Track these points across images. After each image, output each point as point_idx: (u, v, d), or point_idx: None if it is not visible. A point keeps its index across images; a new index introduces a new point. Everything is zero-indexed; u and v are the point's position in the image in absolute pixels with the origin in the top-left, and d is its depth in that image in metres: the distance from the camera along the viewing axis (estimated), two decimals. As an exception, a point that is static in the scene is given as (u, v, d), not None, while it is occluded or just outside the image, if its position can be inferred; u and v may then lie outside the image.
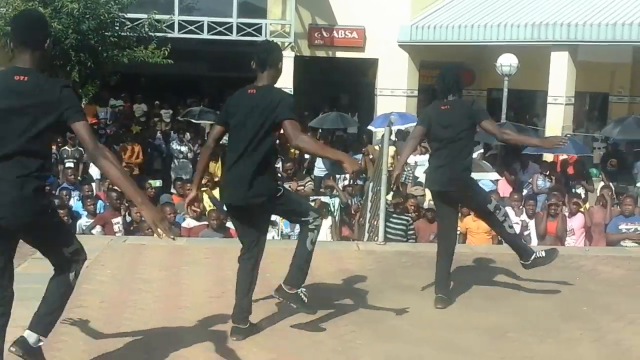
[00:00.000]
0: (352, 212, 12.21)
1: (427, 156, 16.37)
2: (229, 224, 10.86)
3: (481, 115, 6.77)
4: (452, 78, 6.79)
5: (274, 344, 5.62)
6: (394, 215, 10.52)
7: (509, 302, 6.89)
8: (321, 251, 8.49)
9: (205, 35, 22.02)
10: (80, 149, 16.39)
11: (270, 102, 5.47)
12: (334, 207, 11.75)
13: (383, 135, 9.86)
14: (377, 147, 18.58)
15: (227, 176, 5.69)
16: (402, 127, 19.22)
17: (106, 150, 4.36)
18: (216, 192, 13.04)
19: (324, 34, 24.04)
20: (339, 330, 5.98)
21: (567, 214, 11.46)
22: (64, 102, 4.25)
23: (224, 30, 22.04)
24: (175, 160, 17.50)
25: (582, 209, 11.63)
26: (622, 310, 6.69)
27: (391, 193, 11.21)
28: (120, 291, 6.78)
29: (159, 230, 4.16)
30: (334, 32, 24.05)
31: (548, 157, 16.26)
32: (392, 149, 16.16)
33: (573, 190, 14.04)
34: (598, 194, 13.40)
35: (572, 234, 11.28)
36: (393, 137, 17.57)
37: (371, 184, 10.47)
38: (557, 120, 21.27)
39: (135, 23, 18.51)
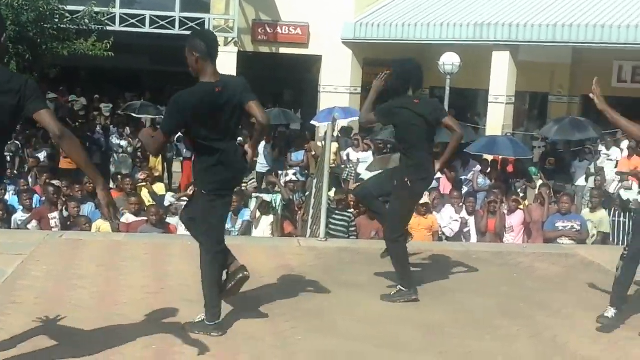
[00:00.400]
0: (296, 208, 12.18)
1: (369, 153, 16.58)
2: (170, 219, 10.79)
3: (444, 112, 6.91)
4: (416, 72, 6.86)
5: (211, 341, 5.55)
6: (337, 212, 10.52)
7: (447, 298, 6.93)
8: (262, 247, 8.53)
9: (147, 29, 21.78)
10: (17, 142, 16.09)
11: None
12: (275, 203, 11.70)
13: (326, 132, 9.85)
14: (320, 144, 18.62)
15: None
16: (345, 123, 19.29)
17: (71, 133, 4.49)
18: (156, 187, 12.95)
19: (268, 29, 23.97)
20: (279, 326, 5.95)
21: (506, 211, 11.59)
22: (28, 92, 4.28)
23: (166, 25, 21.83)
24: (115, 155, 17.28)
25: (521, 207, 11.78)
26: (558, 307, 6.78)
27: (334, 189, 11.24)
28: (56, 287, 6.64)
29: (111, 212, 4.50)
30: (278, 28, 23.99)
31: (488, 155, 16.44)
32: (334, 146, 16.20)
33: (513, 188, 14.22)
34: (536, 192, 13.61)
35: (511, 231, 11.42)
36: (336, 134, 17.62)
37: (314, 181, 10.45)
38: (497, 119, 21.54)
39: (75, 15, 18.19)
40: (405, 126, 6.74)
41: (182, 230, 10.82)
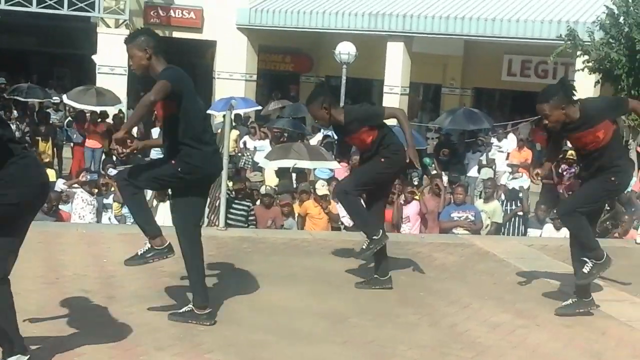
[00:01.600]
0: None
1: (266, 142, 16.51)
2: (62, 207, 10.45)
3: None
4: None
5: (111, 332, 5.40)
6: (235, 201, 10.42)
7: (347, 288, 6.95)
8: (160, 236, 8.32)
9: (34, 8, 21.04)
10: None
11: None
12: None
13: (224, 120, 9.72)
14: (217, 132, 18.43)
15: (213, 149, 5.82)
16: (242, 112, 19.15)
17: None
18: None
19: (161, 12, 23.62)
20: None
21: (402, 201, 11.72)
22: None
23: (54, 4, 21.16)
24: (2, 139, 16.64)
25: (416, 197, 11.94)
26: (456, 296, 6.90)
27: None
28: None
29: None
30: (171, 11, 23.65)
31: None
32: (234, 133, 16.06)
33: (409, 178, 14.39)
34: (430, 183, 13.82)
35: (408, 221, 11.56)
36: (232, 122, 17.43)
37: (211, 169, 10.30)
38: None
39: (-41, -8, 17.45)
40: None
41: (75, 218, 10.54)
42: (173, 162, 5.59)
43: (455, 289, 7.12)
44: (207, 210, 10.03)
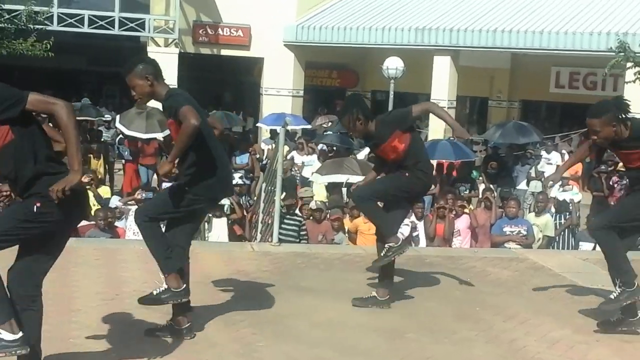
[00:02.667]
0: (244, 212, 12.10)
1: (314, 157, 16.58)
2: (118, 223, 10.62)
3: None
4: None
5: (174, 348, 5.49)
6: (287, 216, 10.49)
7: (404, 303, 6.95)
8: (216, 253, 8.46)
9: (85, 29, 21.44)
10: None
11: None
12: (225, 206, 11.64)
13: (275, 136, 9.81)
14: (263, 145, 18.58)
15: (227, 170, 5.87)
16: (290, 129, 19.24)
17: None
18: (101, 190, 12.73)
19: (209, 31, 23.84)
20: (240, 333, 5.91)
21: (453, 215, 11.69)
22: None
23: (105, 25, 21.53)
24: (56, 157, 16.92)
25: (467, 211, 11.90)
26: (513, 311, 6.86)
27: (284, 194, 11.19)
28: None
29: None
30: (219, 29, 23.87)
31: (433, 160, 16.57)
32: (285, 148, 16.16)
33: (457, 192, 14.36)
34: (480, 196, 13.76)
35: (458, 235, 11.53)
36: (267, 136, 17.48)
37: (263, 184, 10.40)
38: (439, 123, 21.55)
39: (13, 14, 17.81)
40: None
41: (129, 234, 10.69)
42: (187, 188, 5.55)
43: (512, 304, 7.08)
44: (260, 226, 10.14)
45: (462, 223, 11.67)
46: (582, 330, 6.36)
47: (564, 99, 23.35)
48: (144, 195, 11.21)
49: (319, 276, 7.64)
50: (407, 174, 6.60)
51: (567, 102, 23.01)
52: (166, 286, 5.52)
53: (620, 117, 6.00)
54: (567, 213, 12.80)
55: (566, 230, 12.48)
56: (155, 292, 5.57)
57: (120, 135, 18.46)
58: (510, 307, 6.96)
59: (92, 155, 16.15)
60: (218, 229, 10.99)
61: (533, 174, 16.79)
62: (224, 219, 11.15)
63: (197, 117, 5.16)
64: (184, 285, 5.58)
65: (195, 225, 5.92)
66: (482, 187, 15.31)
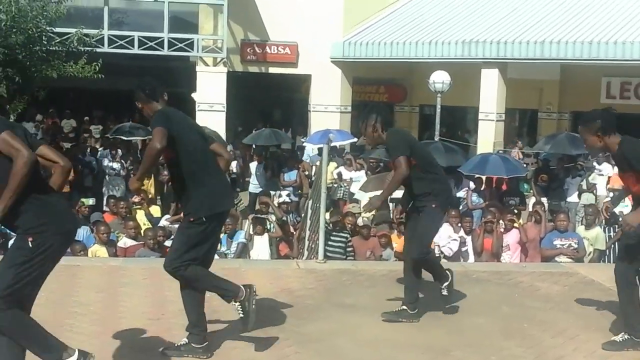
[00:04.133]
0: (292, 229, 12.12)
1: (362, 172, 16.55)
2: (168, 243, 10.69)
3: None
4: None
5: (217, 367, 5.51)
6: (333, 233, 10.47)
7: (450, 319, 6.89)
8: (261, 270, 8.47)
9: (135, 50, 21.75)
10: None
11: None
12: (270, 224, 11.67)
13: (321, 153, 9.81)
14: (310, 163, 18.59)
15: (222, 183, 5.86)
16: (337, 144, 19.27)
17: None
18: (152, 210, 12.87)
19: (257, 49, 24.00)
20: (283, 351, 5.90)
21: (502, 229, 11.56)
22: None
23: (155, 45, 21.81)
24: (107, 177, 17.19)
25: (516, 225, 11.75)
26: (562, 327, 6.75)
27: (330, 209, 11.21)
28: (56, 314, 6.55)
29: None
30: (267, 47, 24.02)
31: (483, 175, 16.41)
32: (332, 165, 16.18)
33: (507, 205, 14.20)
34: (530, 210, 13.58)
35: (508, 250, 11.39)
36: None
37: (310, 202, 10.40)
38: (488, 136, 21.60)
39: (64, 37, 18.14)
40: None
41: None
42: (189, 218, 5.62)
43: (561, 319, 6.96)
44: (306, 242, 10.14)
45: (511, 238, 11.53)
46: (634, 347, 6.22)
47: (616, 110, 22.96)
48: None
49: (364, 293, 7.60)
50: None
51: (619, 113, 22.56)
52: (187, 341, 5.71)
53: (605, 128, 5.91)
54: (617, 226, 12.55)
55: (617, 243, 12.23)
56: (177, 344, 5.71)
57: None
58: (559, 323, 6.85)
59: (143, 175, 16.33)
60: (259, 246, 11.03)
61: (584, 186, 16.54)
62: (266, 236, 11.18)
63: (162, 141, 5.27)
64: (206, 342, 5.75)
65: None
66: (532, 200, 15.12)
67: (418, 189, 6.68)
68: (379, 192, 12.98)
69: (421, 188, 6.67)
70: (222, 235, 11.23)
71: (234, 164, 18.36)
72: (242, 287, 5.70)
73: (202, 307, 5.76)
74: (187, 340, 5.68)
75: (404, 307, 6.80)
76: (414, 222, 6.81)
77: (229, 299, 5.70)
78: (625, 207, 13.89)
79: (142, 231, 10.94)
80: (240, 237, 11.28)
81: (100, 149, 19.44)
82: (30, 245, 4.48)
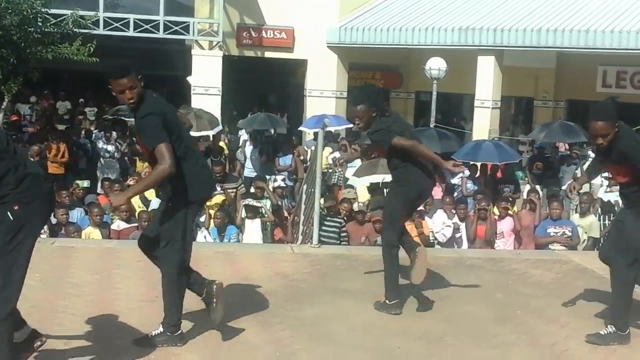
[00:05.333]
0: (286, 214, 12.11)
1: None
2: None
3: None
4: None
5: (210, 350, 5.52)
6: (327, 218, 10.47)
7: (443, 306, 6.90)
8: (255, 254, 8.48)
9: (131, 33, 21.66)
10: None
11: None
12: (264, 208, 11.65)
13: (316, 138, 9.79)
14: (306, 148, 18.57)
15: (206, 171, 5.86)
16: (333, 130, 19.24)
17: None
18: (146, 192, 12.81)
19: (253, 33, 23.91)
20: (277, 335, 5.91)
21: (496, 217, 11.58)
22: None
23: (150, 28, 21.73)
24: (102, 160, 17.15)
25: (510, 212, 11.77)
26: (555, 314, 6.78)
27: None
28: (50, 296, 6.57)
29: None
30: (263, 32, 23.93)
31: (476, 162, 16.41)
32: (327, 150, 16.15)
33: (501, 193, 14.22)
34: (525, 197, 13.61)
35: (502, 237, 11.42)
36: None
37: (304, 186, 10.40)
38: (484, 123, 21.58)
39: (59, 19, 18.04)
40: None
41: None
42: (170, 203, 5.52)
43: (554, 306, 6.99)
44: (301, 227, 10.14)
45: (505, 225, 11.56)
46: (625, 334, 6.25)
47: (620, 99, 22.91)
48: None
49: (359, 278, 7.61)
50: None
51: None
52: (162, 330, 5.56)
53: (615, 118, 5.79)
54: (612, 214, 12.58)
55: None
56: (150, 334, 5.57)
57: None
58: (552, 310, 6.88)
59: (138, 158, 16.30)
60: (251, 230, 10.99)
61: (579, 174, 16.54)
62: (258, 221, 11.15)
63: (173, 161, 5.13)
64: (180, 330, 5.62)
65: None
66: (526, 187, 15.14)
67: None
68: (371, 177, 13.02)
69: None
70: (212, 228, 11.19)
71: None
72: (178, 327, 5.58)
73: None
74: (162, 330, 5.57)
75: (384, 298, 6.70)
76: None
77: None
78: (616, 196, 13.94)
79: (136, 213, 10.91)
80: (232, 233, 11.06)
81: (94, 131, 19.36)
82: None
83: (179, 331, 5.58)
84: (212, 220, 10.91)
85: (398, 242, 6.72)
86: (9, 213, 4.46)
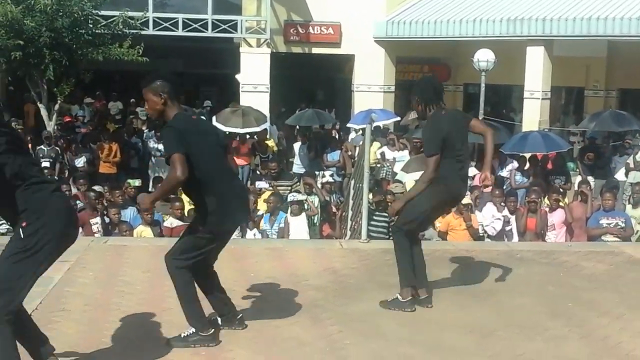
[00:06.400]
0: (334, 209, 12.13)
1: (406, 152, 16.49)
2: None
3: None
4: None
5: (261, 346, 5.56)
6: (376, 213, 10.46)
7: (494, 299, 6.87)
8: (305, 250, 8.52)
9: (180, 32, 21.87)
10: (57, 147, 16.25)
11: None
12: (313, 204, 11.69)
13: (364, 133, 9.80)
14: (358, 145, 18.57)
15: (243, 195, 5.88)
16: (381, 124, 19.22)
17: None
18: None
19: (300, 30, 23.96)
20: (327, 330, 5.93)
21: (547, 209, 11.46)
22: None
23: (199, 27, 21.90)
24: (153, 159, 17.37)
25: (562, 204, 11.64)
26: (607, 306, 6.70)
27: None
28: (103, 294, 6.69)
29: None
30: (310, 28, 23.97)
31: (524, 153, 16.24)
32: (375, 145, 16.14)
33: (552, 184, 14.06)
34: (576, 189, 13.44)
35: (553, 229, 11.29)
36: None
37: (352, 181, 10.41)
38: (533, 114, 21.36)
39: (109, 20, 18.30)
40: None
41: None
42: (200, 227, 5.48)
43: (606, 299, 6.91)
44: (349, 222, 10.16)
45: (557, 217, 11.43)
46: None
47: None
48: None
49: (408, 273, 7.59)
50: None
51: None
52: (194, 330, 5.55)
53: None
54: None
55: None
56: (183, 335, 5.56)
57: (219, 136, 18.77)
58: (604, 303, 6.80)
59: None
60: (296, 226, 11.03)
61: (632, 165, 16.30)
62: (303, 216, 11.19)
63: (184, 170, 5.09)
64: (212, 330, 5.62)
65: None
66: (578, 178, 14.95)
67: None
68: (420, 173, 12.97)
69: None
70: (264, 214, 11.32)
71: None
72: (207, 326, 5.58)
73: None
74: (194, 330, 5.58)
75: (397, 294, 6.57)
76: None
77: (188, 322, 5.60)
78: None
79: (187, 211, 11.03)
80: (282, 217, 11.25)
81: (145, 131, 19.61)
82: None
83: (211, 331, 5.58)
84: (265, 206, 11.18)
85: (410, 231, 6.62)
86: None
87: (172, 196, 10.52)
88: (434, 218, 6.87)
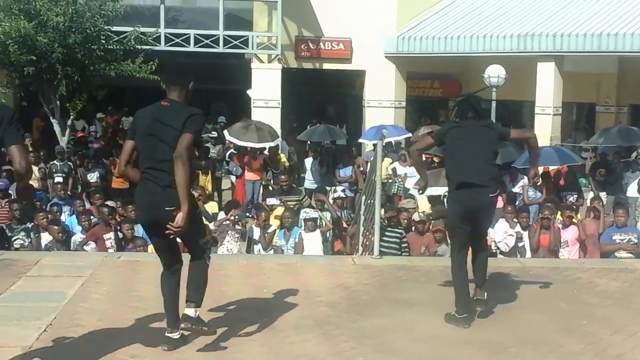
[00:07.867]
0: (345, 225, 12.12)
1: (417, 168, 16.44)
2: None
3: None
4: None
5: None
6: (388, 229, 10.45)
7: (507, 316, 6.86)
8: (317, 266, 8.52)
9: (191, 48, 21.97)
10: (70, 163, 16.32)
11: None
12: (325, 219, 11.70)
13: (375, 149, 9.80)
14: (370, 160, 18.58)
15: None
16: (393, 140, 19.23)
17: None
18: (209, 206, 13.00)
19: (311, 45, 24.04)
20: (339, 347, 5.93)
21: (560, 225, 11.42)
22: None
23: (210, 43, 21.99)
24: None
25: (575, 221, 11.60)
26: (621, 324, 6.67)
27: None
28: (117, 309, 6.70)
29: None
30: (321, 43, 24.04)
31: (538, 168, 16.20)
32: (387, 161, 16.13)
33: (564, 201, 14.02)
34: (588, 205, 13.39)
35: (566, 246, 11.25)
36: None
37: (363, 197, 10.41)
38: (545, 130, 21.29)
39: (122, 36, 18.41)
40: None
41: (222, 250, 10.88)
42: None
43: (620, 316, 6.89)
44: (360, 238, 10.15)
45: (570, 234, 11.38)
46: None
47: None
48: (236, 216, 11.28)
49: (420, 289, 7.60)
50: None
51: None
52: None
53: None
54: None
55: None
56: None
57: (231, 151, 18.84)
58: (618, 320, 6.78)
59: (200, 172, 16.51)
60: (311, 243, 11.02)
61: (644, 181, 16.24)
62: (318, 232, 11.18)
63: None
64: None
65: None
66: (590, 194, 14.91)
67: None
68: (433, 189, 12.97)
69: None
70: (278, 230, 11.32)
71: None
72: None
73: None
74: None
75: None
76: None
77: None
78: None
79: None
80: (297, 233, 11.24)
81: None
82: None
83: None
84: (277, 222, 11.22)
85: (459, 247, 6.76)
86: None
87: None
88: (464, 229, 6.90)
